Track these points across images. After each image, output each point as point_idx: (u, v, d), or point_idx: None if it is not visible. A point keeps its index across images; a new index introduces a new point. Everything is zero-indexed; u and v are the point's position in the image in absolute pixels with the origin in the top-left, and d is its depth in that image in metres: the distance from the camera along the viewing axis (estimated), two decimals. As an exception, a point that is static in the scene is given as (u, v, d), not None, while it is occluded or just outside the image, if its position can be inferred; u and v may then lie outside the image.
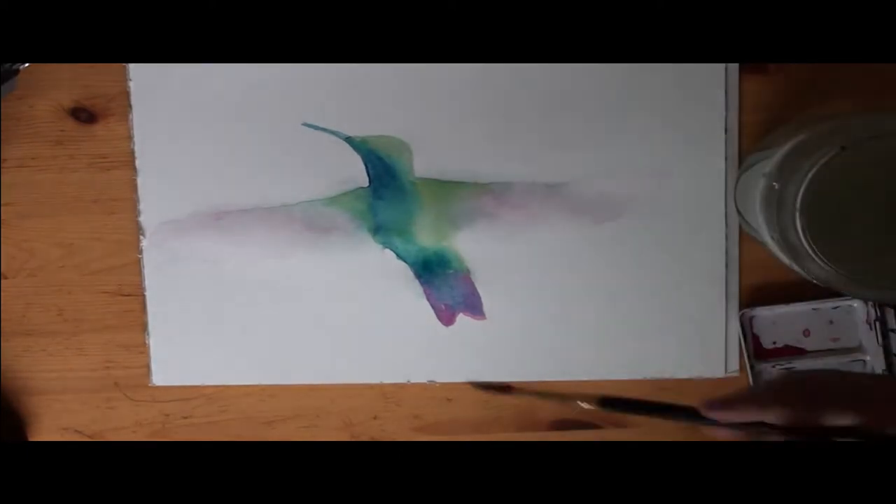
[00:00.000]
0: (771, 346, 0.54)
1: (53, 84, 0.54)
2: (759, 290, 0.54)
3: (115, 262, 0.55)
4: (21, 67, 0.53)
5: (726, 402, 0.42)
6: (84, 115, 0.54)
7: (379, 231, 0.54)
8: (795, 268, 0.46)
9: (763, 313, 0.54)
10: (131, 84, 0.54)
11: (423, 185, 0.54)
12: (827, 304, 0.53)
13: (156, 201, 0.54)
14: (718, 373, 0.54)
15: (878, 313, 0.53)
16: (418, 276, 0.54)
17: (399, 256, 0.54)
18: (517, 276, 0.54)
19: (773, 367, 0.54)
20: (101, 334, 0.56)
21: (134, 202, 0.54)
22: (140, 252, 0.55)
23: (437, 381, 0.55)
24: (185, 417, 0.56)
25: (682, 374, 0.54)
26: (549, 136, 0.53)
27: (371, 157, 0.53)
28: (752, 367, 0.53)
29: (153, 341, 0.55)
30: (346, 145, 0.54)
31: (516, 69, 0.53)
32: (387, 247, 0.54)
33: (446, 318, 0.55)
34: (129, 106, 0.54)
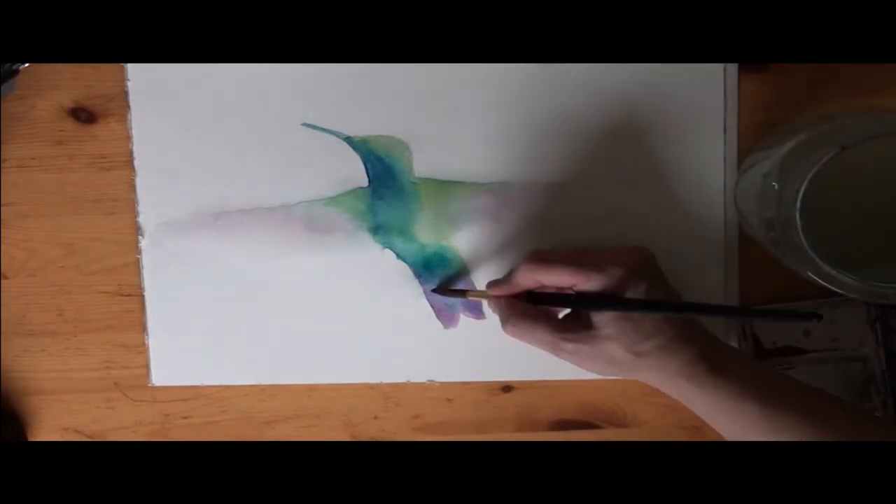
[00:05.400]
0: (771, 346, 0.54)
1: (53, 84, 0.54)
2: (759, 289, 0.54)
3: (115, 262, 0.55)
4: (21, 67, 0.53)
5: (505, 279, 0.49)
6: (84, 115, 0.54)
7: (379, 231, 0.54)
8: (795, 268, 0.46)
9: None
10: (129, 84, 0.54)
11: (423, 184, 0.54)
12: (827, 304, 0.53)
13: (155, 201, 0.54)
14: (718, 373, 0.54)
15: (878, 313, 0.53)
16: (418, 275, 0.54)
17: (399, 256, 0.54)
18: (517, 276, 0.54)
19: (774, 367, 0.54)
20: (101, 334, 0.56)
21: (133, 202, 0.54)
22: (139, 252, 0.55)
23: (437, 380, 0.55)
24: (185, 417, 0.56)
25: (682, 374, 0.54)
26: (548, 135, 0.53)
27: (370, 157, 0.53)
28: (752, 367, 0.53)
29: (152, 341, 0.55)
30: (346, 145, 0.54)
31: (516, 69, 0.53)
32: (386, 247, 0.54)
33: (446, 317, 0.55)
34: (128, 106, 0.54)
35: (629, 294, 0.45)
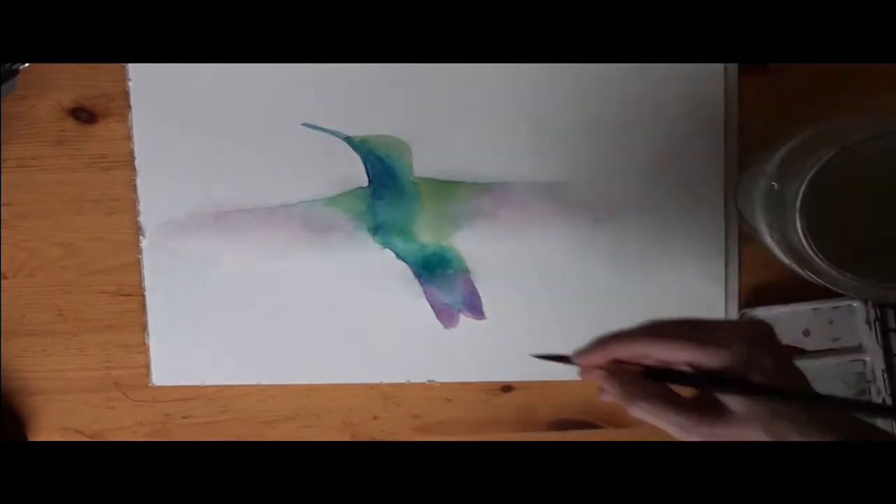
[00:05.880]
0: (771, 346, 0.54)
1: (53, 84, 0.54)
2: (759, 290, 0.54)
3: (115, 262, 0.55)
4: (21, 67, 0.53)
5: (592, 347, 0.45)
6: (84, 115, 0.54)
7: (379, 231, 0.54)
8: (795, 268, 0.46)
9: (763, 313, 0.54)
10: (130, 84, 0.54)
11: (423, 184, 0.54)
12: (827, 304, 0.53)
13: (155, 201, 0.54)
14: (718, 373, 0.54)
15: (878, 313, 0.53)
16: (418, 275, 0.54)
17: (399, 256, 0.54)
18: (517, 276, 0.54)
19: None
20: (101, 334, 0.56)
21: (134, 202, 0.54)
22: (140, 252, 0.55)
23: (437, 380, 0.55)
24: (185, 417, 0.56)
25: (682, 374, 0.54)
26: (549, 136, 0.53)
27: (370, 156, 0.54)
28: (752, 367, 0.53)
29: (153, 341, 0.55)
30: (346, 145, 0.54)
31: (516, 69, 0.53)
32: (386, 247, 0.54)
33: (446, 317, 0.55)
34: (129, 106, 0.54)
35: (753, 373, 0.42)
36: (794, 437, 0.42)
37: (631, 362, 0.45)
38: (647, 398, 0.44)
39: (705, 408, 0.43)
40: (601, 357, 0.45)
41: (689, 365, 0.44)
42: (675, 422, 0.43)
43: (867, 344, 0.53)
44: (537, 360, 0.50)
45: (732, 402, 0.43)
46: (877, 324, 0.53)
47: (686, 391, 0.44)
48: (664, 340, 0.43)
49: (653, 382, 0.44)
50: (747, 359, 0.42)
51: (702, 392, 0.44)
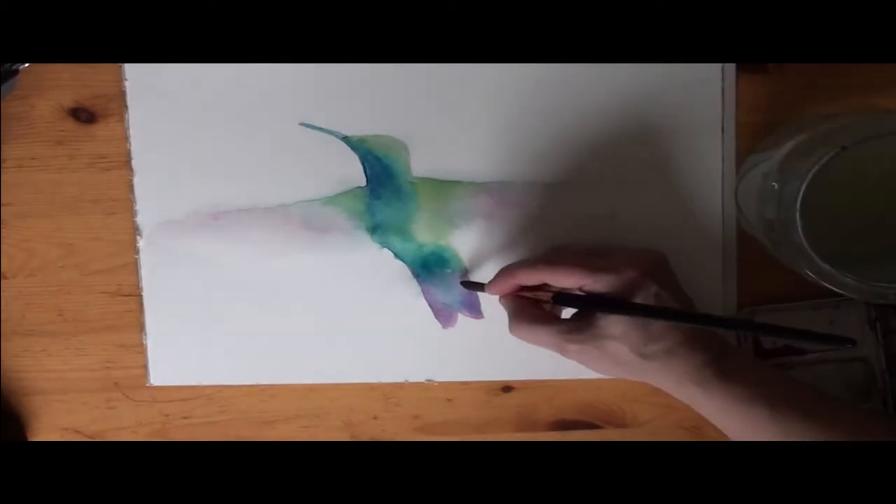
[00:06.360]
0: (771, 346, 0.54)
1: (53, 84, 0.54)
2: (759, 289, 0.54)
3: (115, 262, 0.55)
4: (21, 67, 0.53)
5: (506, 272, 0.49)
6: (84, 115, 0.54)
7: (377, 231, 0.54)
8: (795, 268, 0.46)
9: (763, 313, 0.54)
10: (127, 84, 0.54)
11: (421, 184, 0.54)
12: (827, 304, 0.53)
13: (152, 201, 0.54)
14: (718, 373, 0.54)
15: (878, 313, 0.53)
16: (416, 275, 0.54)
17: (397, 256, 0.54)
18: (516, 275, 0.54)
19: (773, 367, 0.54)
20: (101, 334, 0.56)
21: (132, 202, 0.54)
22: (137, 252, 0.55)
23: (436, 380, 0.55)
24: (185, 417, 0.56)
25: (682, 374, 0.54)
26: (547, 135, 0.53)
27: (368, 156, 0.53)
28: (751, 367, 0.53)
29: (150, 342, 0.55)
30: (344, 145, 0.54)
31: (515, 69, 0.53)
32: (385, 246, 0.54)
33: (444, 317, 0.55)
34: (125, 106, 0.54)
35: (639, 297, 0.45)
36: (662, 360, 0.45)
37: (536, 288, 0.48)
38: (524, 320, 0.48)
39: (579, 327, 0.47)
40: (509, 285, 0.49)
41: (581, 289, 0.47)
42: (548, 340, 0.47)
43: (867, 344, 0.53)
44: (536, 359, 0.50)
45: (609, 322, 0.45)
46: (877, 324, 0.53)
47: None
48: (558, 267, 0.47)
49: (534, 307, 0.48)
50: (634, 284, 0.45)
51: (583, 312, 0.47)
